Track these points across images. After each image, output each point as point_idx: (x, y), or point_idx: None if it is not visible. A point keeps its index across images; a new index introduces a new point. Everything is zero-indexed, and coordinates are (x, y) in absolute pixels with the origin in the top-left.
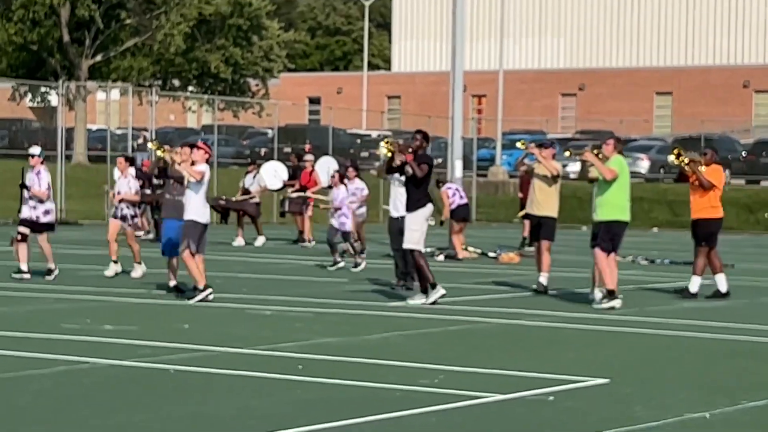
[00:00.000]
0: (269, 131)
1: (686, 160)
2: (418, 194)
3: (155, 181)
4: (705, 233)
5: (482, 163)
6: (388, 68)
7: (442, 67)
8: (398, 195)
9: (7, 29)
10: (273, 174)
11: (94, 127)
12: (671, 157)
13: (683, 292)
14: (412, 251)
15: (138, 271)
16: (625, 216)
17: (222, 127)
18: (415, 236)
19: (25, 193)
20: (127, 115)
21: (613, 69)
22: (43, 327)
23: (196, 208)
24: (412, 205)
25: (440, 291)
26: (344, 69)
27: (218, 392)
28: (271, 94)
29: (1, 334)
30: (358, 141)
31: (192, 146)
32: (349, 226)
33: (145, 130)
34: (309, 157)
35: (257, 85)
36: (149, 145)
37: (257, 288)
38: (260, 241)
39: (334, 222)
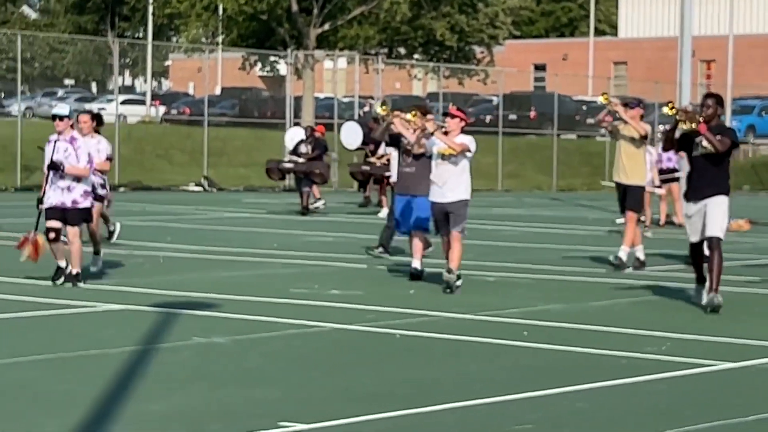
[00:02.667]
0: (494, 99)
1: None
2: (720, 175)
3: (303, 149)
4: None
5: None
6: (615, 34)
7: (670, 32)
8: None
9: (237, 0)
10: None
11: (321, 96)
12: (665, 109)
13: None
14: (713, 240)
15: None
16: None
17: (447, 95)
18: (724, 223)
19: (51, 173)
20: (354, 84)
21: None
22: (273, 291)
23: (467, 185)
24: (713, 189)
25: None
26: (570, 35)
27: (442, 357)
28: (497, 61)
29: (233, 298)
30: (584, 108)
31: (445, 114)
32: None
33: (371, 98)
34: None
35: (482, 52)
36: (377, 109)
37: (479, 254)
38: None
39: None
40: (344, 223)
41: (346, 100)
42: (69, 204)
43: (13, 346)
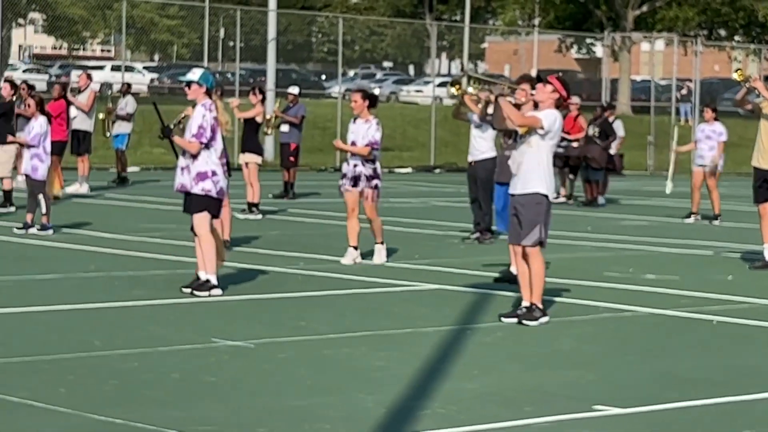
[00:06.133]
0: None
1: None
2: None
3: (589, 131)
4: None
5: None
6: None
7: None
8: (473, 138)
9: None
10: None
11: (638, 78)
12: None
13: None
14: None
15: (381, 255)
16: None
17: None
18: None
19: (179, 154)
20: (672, 66)
21: None
22: (586, 275)
23: (538, 176)
24: None
25: None
26: None
27: (763, 345)
28: None
29: (547, 280)
30: None
31: (538, 80)
32: (43, 173)
33: (689, 80)
34: (575, 99)
35: None
36: (451, 89)
37: None
38: (602, 200)
39: (27, 166)
40: (656, 207)
41: (663, 82)
42: (185, 187)
43: (332, 323)
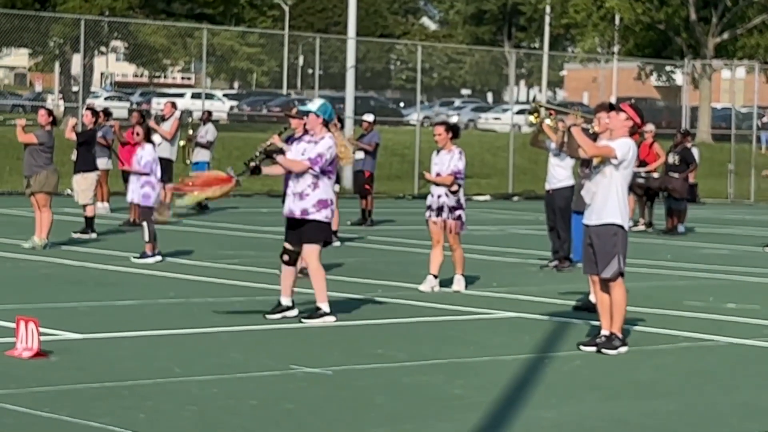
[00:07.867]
0: None
1: None
2: None
3: (669, 159)
4: None
5: None
6: None
7: None
8: (551, 166)
9: (635, 9)
10: None
11: (718, 106)
12: None
13: None
14: None
15: (459, 284)
16: None
17: None
18: None
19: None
20: (753, 94)
21: None
22: (666, 303)
23: (612, 206)
24: None
25: None
26: None
27: None
28: None
29: (643, 311)
30: None
31: (610, 107)
32: (153, 200)
33: None
34: (650, 127)
35: None
36: (530, 117)
37: None
38: (682, 228)
39: (137, 194)
40: (737, 236)
41: (744, 110)
42: (298, 214)
43: (410, 350)
